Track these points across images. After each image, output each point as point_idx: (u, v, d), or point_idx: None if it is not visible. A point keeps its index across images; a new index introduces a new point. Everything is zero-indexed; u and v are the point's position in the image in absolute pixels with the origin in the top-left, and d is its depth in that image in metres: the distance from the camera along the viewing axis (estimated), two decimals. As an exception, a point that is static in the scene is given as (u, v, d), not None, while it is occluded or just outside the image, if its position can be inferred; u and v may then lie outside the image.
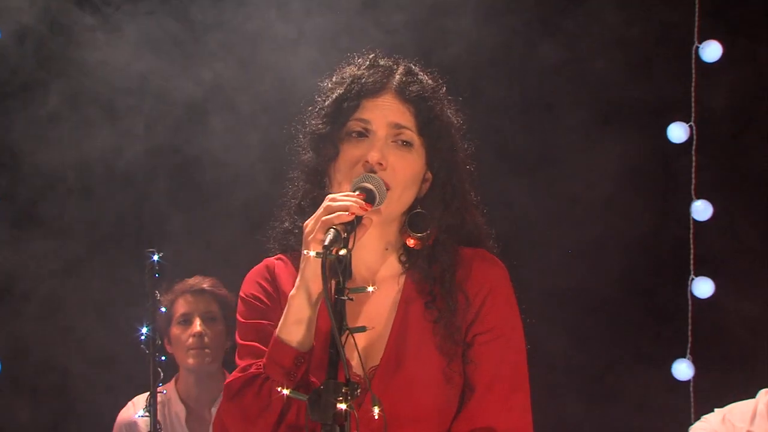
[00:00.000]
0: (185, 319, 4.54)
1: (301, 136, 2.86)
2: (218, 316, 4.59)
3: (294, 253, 2.84)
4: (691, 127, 5.07)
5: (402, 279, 2.77)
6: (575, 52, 5.19)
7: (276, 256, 2.87)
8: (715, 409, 4.12)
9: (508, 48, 5.14)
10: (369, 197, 2.57)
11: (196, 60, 5.05)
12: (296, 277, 2.72)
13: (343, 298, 2.42)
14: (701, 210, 5.06)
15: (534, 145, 5.23)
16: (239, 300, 2.81)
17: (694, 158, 5.06)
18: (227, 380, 2.63)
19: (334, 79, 2.83)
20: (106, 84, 5.02)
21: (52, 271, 5.00)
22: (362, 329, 2.47)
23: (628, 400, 5.12)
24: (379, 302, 2.74)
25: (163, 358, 3.99)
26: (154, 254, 3.85)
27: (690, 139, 5.07)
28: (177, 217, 5.02)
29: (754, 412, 3.96)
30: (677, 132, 5.09)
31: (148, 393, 4.62)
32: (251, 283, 2.81)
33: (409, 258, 2.78)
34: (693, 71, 5.06)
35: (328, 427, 2.36)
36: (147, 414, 3.89)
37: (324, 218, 2.48)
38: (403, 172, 2.69)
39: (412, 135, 2.72)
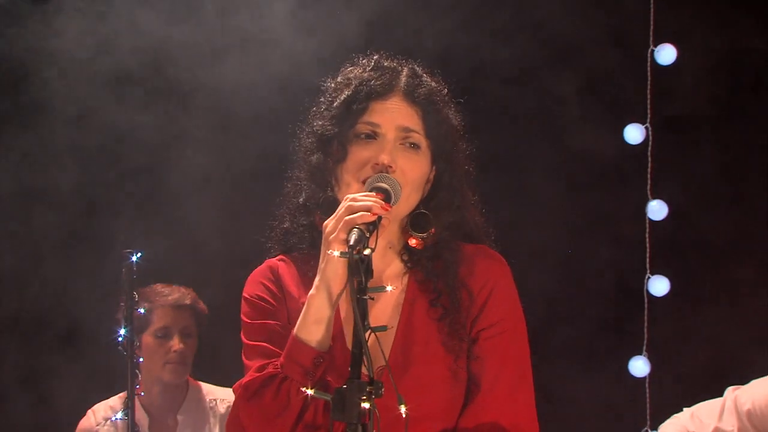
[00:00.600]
0: (164, 334, 4.48)
1: (304, 137, 2.86)
2: (194, 331, 4.56)
3: (295, 254, 2.85)
4: (647, 128, 5.17)
5: (405, 279, 2.79)
6: (533, 56, 5.25)
7: (277, 257, 2.87)
8: (684, 408, 4.22)
9: (465, 52, 5.19)
10: (386, 197, 2.59)
11: (172, 52, 5.03)
12: (299, 278, 2.76)
13: (365, 297, 2.42)
14: (657, 210, 5.17)
15: (489, 146, 5.27)
16: (243, 301, 2.80)
17: (650, 159, 5.16)
18: (244, 380, 2.62)
19: (338, 80, 2.84)
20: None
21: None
22: (383, 328, 2.49)
23: (586, 397, 5.19)
24: (384, 302, 2.75)
25: (141, 359, 3.94)
26: (132, 255, 3.79)
27: (646, 140, 5.17)
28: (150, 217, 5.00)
29: (722, 409, 4.06)
30: (633, 133, 5.18)
31: (107, 401, 4.60)
32: (255, 284, 2.81)
33: (411, 257, 2.80)
34: (648, 74, 5.16)
35: (353, 427, 2.38)
36: (126, 417, 3.83)
37: (347, 218, 2.49)
38: (412, 174, 2.71)
39: (419, 138, 2.75)
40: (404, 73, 2.81)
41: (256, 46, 4.99)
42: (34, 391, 5.02)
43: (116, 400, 4.58)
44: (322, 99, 2.85)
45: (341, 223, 2.50)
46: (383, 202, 2.54)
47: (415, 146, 2.74)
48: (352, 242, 2.43)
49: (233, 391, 2.69)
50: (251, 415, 2.59)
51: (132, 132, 5.02)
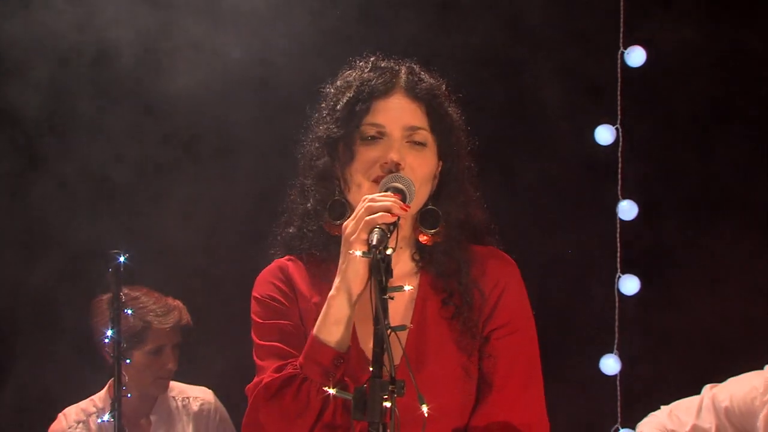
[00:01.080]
0: (157, 351, 4.43)
1: (308, 143, 2.88)
2: (181, 344, 4.53)
3: (302, 255, 2.86)
4: (617, 129, 5.24)
5: (416, 277, 2.81)
6: (504, 56, 5.29)
7: (286, 257, 2.88)
8: (662, 406, 4.29)
9: (432, 50, 5.21)
10: (402, 198, 2.62)
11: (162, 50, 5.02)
12: (309, 278, 2.79)
13: (385, 297, 2.43)
14: (627, 210, 5.24)
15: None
16: (253, 300, 2.82)
17: (620, 160, 5.24)
18: (263, 381, 2.62)
19: (338, 84, 2.86)
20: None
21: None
22: (402, 328, 2.49)
23: (557, 394, 5.21)
24: (396, 301, 2.73)
25: (128, 360, 3.90)
26: (120, 255, 3.75)
27: (617, 141, 5.24)
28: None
29: (699, 407, 4.14)
30: (604, 134, 5.25)
31: (78, 404, 4.54)
32: (266, 284, 2.82)
33: (422, 256, 2.82)
34: (619, 76, 5.23)
35: (376, 426, 2.38)
36: (112, 419, 3.79)
37: (368, 218, 2.51)
38: (421, 171, 2.74)
39: (425, 134, 2.78)
40: (403, 71, 2.85)
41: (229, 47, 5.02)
42: (12, 391, 4.98)
43: (87, 403, 4.54)
44: (323, 104, 2.87)
45: (362, 224, 2.52)
46: (401, 203, 2.57)
47: (421, 144, 2.76)
48: (375, 242, 2.45)
49: (246, 392, 2.69)
50: (271, 415, 2.59)
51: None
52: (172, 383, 4.61)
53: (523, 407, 2.72)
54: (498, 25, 5.26)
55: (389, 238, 2.49)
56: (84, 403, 4.55)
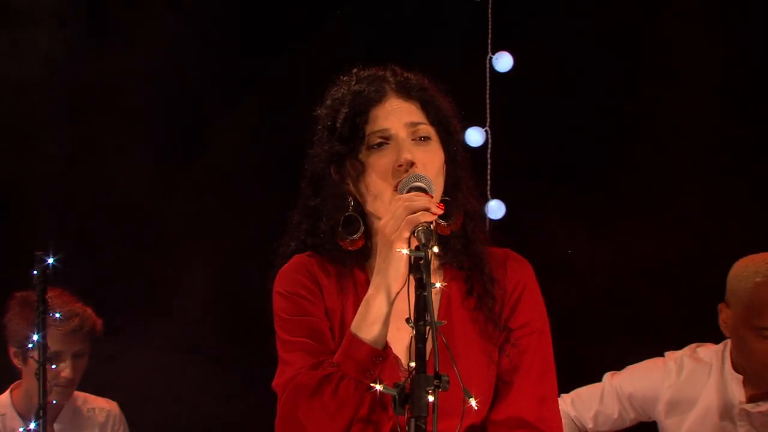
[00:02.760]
0: (54, 356, 4.22)
1: (310, 166, 2.89)
2: (87, 351, 4.37)
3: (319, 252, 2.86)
4: (486, 131, 5.43)
5: (440, 272, 2.86)
6: (375, 57, 5.37)
7: (306, 253, 2.87)
8: (561, 395, 4.46)
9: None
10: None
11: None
12: (331, 273, 2.81)
13: (426, 293, 2.48)
14: (495, 209, 5.43)
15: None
16: (278, 296, 2.81)
17: (489, 161, 5.42)
18: (301, 379, 2.62)
19: (328, 103, 2.89)
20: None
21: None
22: (439, 323, 2.54)
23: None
24: None
25: (54, 366, 3.75)
26: (48, 257, 3.60)
27: (486, 142, 5.43)
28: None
29: (601, 393, 4.35)
30: (474, 136, 5.43)
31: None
32: (291, 280, 2.81)
33: (444, 253, 2.87)
34: (487, 80, 5.43)
35: (422, 420, 2.43)
36: (38, 428, 3.64)
37: (410, 217, 2.55)
38: (432, 165, 2.79)
39: (427, 128, 2.83)
40: (389, 74, 2.91)
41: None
42: None
43: None
44: (319, 126, 2.89)
45: (403, 222, 2.56)
46: (437, 202, 2.63)
47: (426, 138, 2.82)
48: (423, 240, 2.50)
49: (275, 388, 2.68)
50: (311, 412, 2.60)
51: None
52: (78, 393, 4.48)
53: (538, 404, 2.80)
54: (370, 27, 5.36)
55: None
56: None
